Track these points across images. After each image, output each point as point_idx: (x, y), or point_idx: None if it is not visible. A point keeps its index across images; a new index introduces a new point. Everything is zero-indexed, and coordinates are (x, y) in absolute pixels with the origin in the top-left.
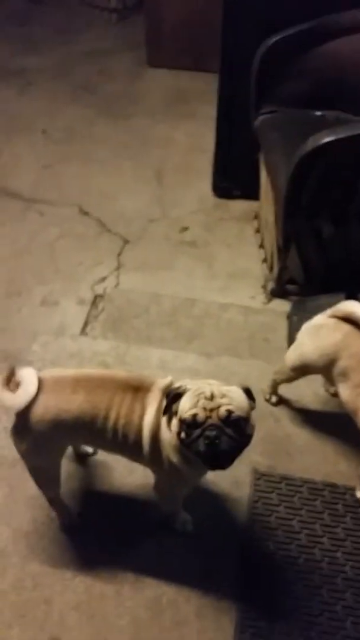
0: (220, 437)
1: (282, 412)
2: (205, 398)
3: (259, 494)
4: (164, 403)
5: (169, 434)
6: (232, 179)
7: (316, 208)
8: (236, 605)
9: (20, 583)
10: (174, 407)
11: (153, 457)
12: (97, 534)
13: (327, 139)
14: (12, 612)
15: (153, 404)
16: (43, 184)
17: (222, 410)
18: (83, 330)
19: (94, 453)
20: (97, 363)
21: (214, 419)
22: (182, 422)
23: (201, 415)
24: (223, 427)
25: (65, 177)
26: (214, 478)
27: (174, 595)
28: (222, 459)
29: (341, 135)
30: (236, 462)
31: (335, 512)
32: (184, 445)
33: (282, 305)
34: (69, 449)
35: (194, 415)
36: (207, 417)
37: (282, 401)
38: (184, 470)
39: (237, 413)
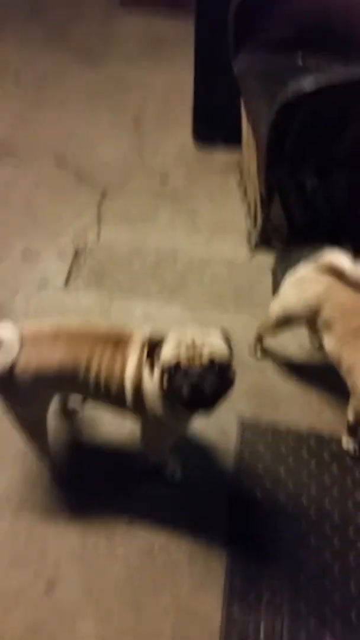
0: (203, 382)
1: (267, 365)
2: (187, 345)
3: (246, 444)
4: (146, 352)
5: (151, 384)
6: (214, 125)
7: (299, 158)
8: (226, 551)
9: (14, 534)
10: (155, 355)
11: (136, 408)
12: (88, 484)
13: (307, 86)
14: (8, 560)
15: (133, 356)
16: (17, 133)
17: (204, 356)
18: (66, 284)
19: (80, 411)
20: (81, 316)
21: (195, 365)
22: (165, 369)
23: (183, 360)
24: (205, 372)
25: (40, 126)
26: (202, 429)
27: (165, 542)
28: (206, 403)
29: (321, 84)
30: (222, 413)
31: (321, 460)
32: (167, 392)
33: (266, 258)
34: (56, 406)
35: (177, 362)
36: (189, 363)
37: (267, 354)
38: (168, 420)
39: (219, 358)
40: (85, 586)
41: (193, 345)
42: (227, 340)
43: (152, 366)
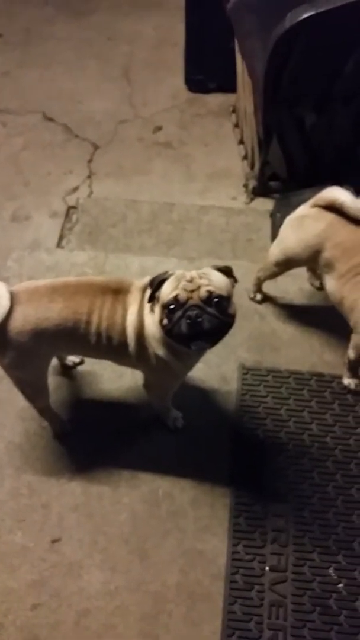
0: (202, 316)
1: (267, 309)
2: (186, 281)
3: (247, 388)
4: (148, 294)
5: (153, 328)
6: (207, 70)
7: (297, 94)
8: (230, 492)
9: (17, 491)
10: (156, 296)
11: (139, 355)
12: (90, 438)
13: (306, 14)
14: (12, 518)
15: (134, 303)
16: (2, 92)
17: (203, 291)
18: (59, 244)
19: (81, 362)
20: (76, 275)
21: (194, 300)
22: (164, 307)
23: (182, 295)
24: (204, 306)
25: (27, 83)
26: (203, 376)
27: (169, 488)
28: (206, 337)
29: (322, 9)
30: (223, 360)
31: (323, 399)
32: (168, 331)
33: (265, 204)
34: (55, 362)
35: (176, 297)
36: (188, 298)
37: (267, 298)
38: (171, 363)
39: (218, 292)
40: (90, 538)
41: (191, 280)
42: (229, 274)
43: (154, 305)
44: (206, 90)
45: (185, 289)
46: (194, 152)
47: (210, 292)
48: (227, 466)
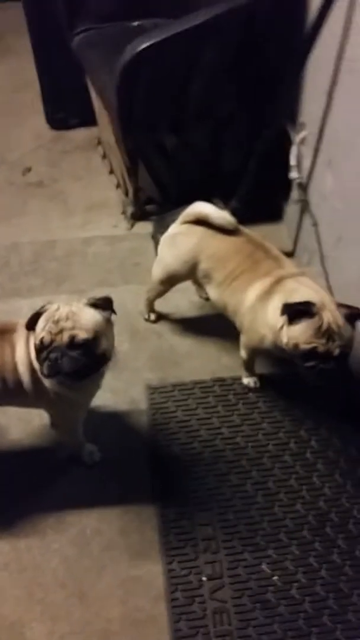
0: (62, 359)
1: (163, 327)
2: (53, 322)
3: (156, 406)
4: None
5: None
6: (66, 107)
7: (151, 120)
8: (155, 513)
9: None
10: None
11: (36, 390)
12: (7, 491)
13: (143, 46)
14: None
15: (20, 340)
16: None
17: (65, 336)
18: None
19: None
20: None
21: (57, 342)
22: (35, 346)
23: (46, 338)
24: (66, 350)
25: None
26: (112, 403)
27: (96, 524)
28: (67, 376)
29: (156, 39)
30: (129, 384)
31: (228, 402)
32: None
33: (146, 227)
34: None
35: (41, 340)
36: (52, 340)
37: (161, 317)
38: (66, 394)
39: (82, 336)
40: (26, 592)
41: (57, 322)
42: (106, 307)
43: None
44: (69, 127)
45: (50, 332)
46: (67, 187)
47: (72, 337)
48: (149, 488)
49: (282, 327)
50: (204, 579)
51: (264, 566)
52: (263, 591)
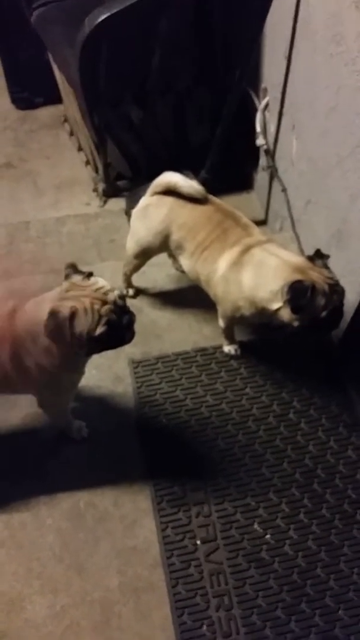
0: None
1: (142, 302)
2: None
3: (141, 380)
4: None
5: (36, 347)
6: (29, 86)
7: (115, 93)
8: (148, 482)
9: None
10: None
11: (21, 375)
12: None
13: (101, 17)
14: None
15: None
16: None
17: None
18: None
19: None
20: None
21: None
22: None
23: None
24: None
25: None
26: (97, 380)
27: (89, 497)
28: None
29: (114, 10)
30: (113, 361)
31: (211, 371)
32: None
33: (119, 203)
34: None
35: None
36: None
37: (139, 292)
38: (58, 373)
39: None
40: (24, 567)
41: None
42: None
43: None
44: (34, 106)
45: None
46: (36, 167)
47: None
48: (140, 459)
49: (280, 308)
50: (198, 542)
51: (256, 526)
52: (257, 550)
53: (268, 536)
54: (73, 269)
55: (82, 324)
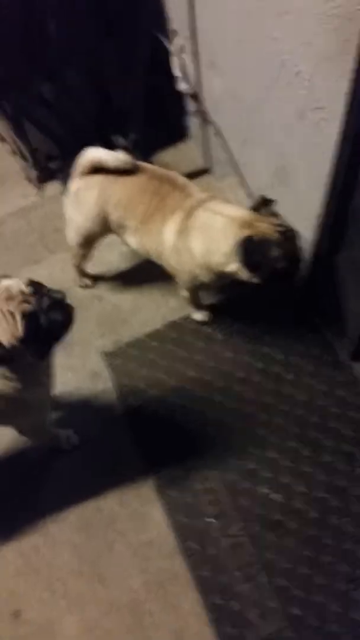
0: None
1: (101, 289)
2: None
3: (118, 371)
4: None
5: None
6: None
7: (21, 75)
8: (148, 473)
9: None
10: None
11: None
12: None
13: None
14: None
15: None
16: None
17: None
18: None
19: None
20: None
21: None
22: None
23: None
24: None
25: None
26: (74, 383)
27: (94, 503)
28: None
29: None
30: (84, 357)
31: (186, 343)
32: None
33: (55, 187)
34: None
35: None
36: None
37: (96, 279)
38: (23, 393)
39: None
40: (48, 590)
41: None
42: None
43: None
44: None
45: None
46: None
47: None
48: (135, 451)
49: (237, 269)
50: (211, 520)
51: (263, 488)
52: (270, 513)
53: (277, 495)
54: None
55: (3, 334)
